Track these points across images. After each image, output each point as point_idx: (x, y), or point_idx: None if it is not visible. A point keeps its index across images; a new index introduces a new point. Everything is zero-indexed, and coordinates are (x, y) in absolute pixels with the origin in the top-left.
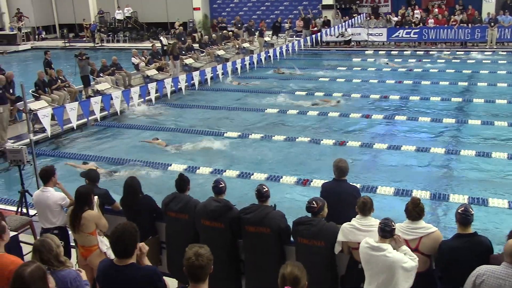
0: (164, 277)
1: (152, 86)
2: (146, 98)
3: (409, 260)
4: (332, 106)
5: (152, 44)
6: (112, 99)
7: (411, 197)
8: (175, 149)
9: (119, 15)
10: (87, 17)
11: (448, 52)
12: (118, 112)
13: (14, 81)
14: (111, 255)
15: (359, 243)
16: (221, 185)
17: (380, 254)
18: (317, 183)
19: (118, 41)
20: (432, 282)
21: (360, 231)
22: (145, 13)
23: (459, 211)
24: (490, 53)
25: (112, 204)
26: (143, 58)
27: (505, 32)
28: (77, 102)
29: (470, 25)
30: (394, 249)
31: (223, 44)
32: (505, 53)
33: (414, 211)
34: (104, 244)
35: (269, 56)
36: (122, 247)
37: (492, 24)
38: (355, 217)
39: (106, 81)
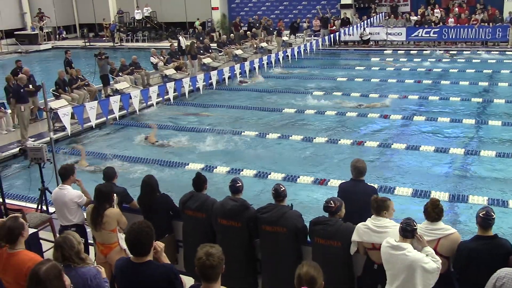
0: (180, 275)
1: (170, 86)
2: (165, 97)
3: (430, 261)
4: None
5: (170, 43)
6: (131, 98)
7: (430, 198)
8: (192, 148)
9: (138, 15)
10: (106, 17)
11: (454, 52)
12: (137, 111)
13: (33, 76)
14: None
15: (372, 244)
16: (238, 184)
17: (399, 253)
18: (334, 183)
19: (137, 41)
20: (450, 284)
21: (373, 232)
22: (164, 13)
23: (480, 214)
24: (511, 52)
25: (130, 203)
26: (161, 57)
27: None
28: (96, 101)
29: (491, 24)
30: (416, 249)
31: (241, 43)
32: None
33: (434, 212)
34: (123, 240)
35: (287, 56)
36: (138, 246)
37: None
38: (370, 218)
39: (125, 80)
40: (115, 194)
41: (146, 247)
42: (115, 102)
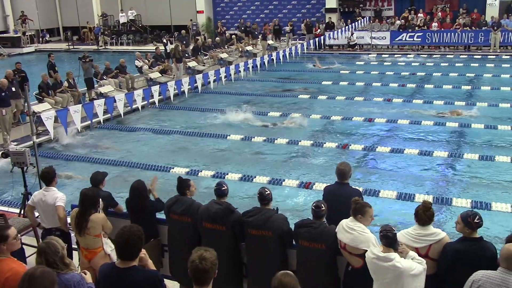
0: (166, 280)
1: (155, 89)
2: (150, 100)
3: (417, 266)
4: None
5: (155, 47)
6: (115, 101)
7: (423, 201)
8: (178, 152)
9: (122, 18)
10: (90, 20)
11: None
12: (122, 115)
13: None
14: (115, 257)
15: (340, 241)
16: (223, 188)
17: (388, 264)
18: (319, 186)
19: (121, 44)
20: (440, 284)
21: (344, 231)
22: (149, 16)
23: (468, 219)
24: (493, 57)
25: (115, 207)
26: (146, 61)
27: (508, 35)
28: (80, 105)
29: (473, 28)
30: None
31: (226, 47)
32: (508, 56)
33: (425, 215)
34: (108, 245)
35: (272, 60)
36: (129, 249)
37: (496, 27)
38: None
39: (110, 83)
40: (100, 199)
41: (135, 251)
42: (99, 105)
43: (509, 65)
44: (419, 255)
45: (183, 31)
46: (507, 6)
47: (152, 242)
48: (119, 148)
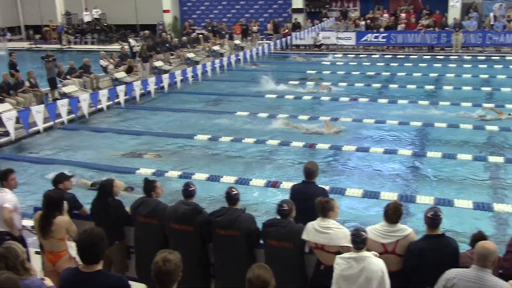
0: (132, 283)
1: (121, 89)
2: (115, 100)
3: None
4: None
5: (121, 46)
6: (79, 102)
7: (394, 201)
8: (144, 153)
9: (87, 17)
10: (53, 19)
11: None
12: (86, 115)
13: None
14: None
15: (315, 243)
16: (191, 188)
17: (362, 265)
18: (287, 185)
19: (86, 43)
20: (406, 280)
21: (318, 232)
22: (114, 15)
23: (428, 214)
24: (455, 57)
25: (79, 209)
26: (112, 60)
27: (469, 37)
28: (43, 105)
29: (436, 29)
30: None
31: (193, 46)
32: (470, 57)
33: (395, 215)
34: (73, 249)
35: (239, 59)
36: (92, 252)
37: (457, 29)
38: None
39: (74, 83)
40: (65, 201)
41: (98, 254)
42: (63, 105)
43: (470, 66)
44: (386, 251)
45: (146, 32)
46: (468, 7)
47: (117, 244)
48: (83, 149)
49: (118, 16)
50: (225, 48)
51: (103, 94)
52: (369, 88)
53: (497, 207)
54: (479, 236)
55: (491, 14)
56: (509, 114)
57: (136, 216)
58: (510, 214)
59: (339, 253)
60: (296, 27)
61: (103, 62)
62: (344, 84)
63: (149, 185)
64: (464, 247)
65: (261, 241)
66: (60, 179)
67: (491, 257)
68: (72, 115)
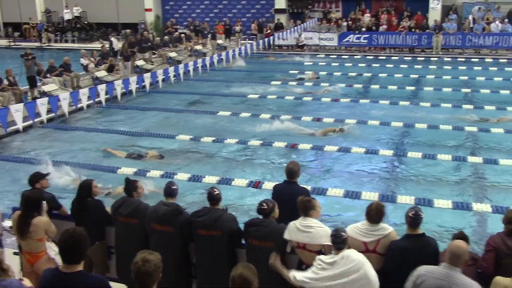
0: (113, 283)
1: (101, 88)
2: (96, 100)
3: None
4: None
5: (101, 45)
6: (59, 100)
7: (376, 202)
8: (125, 152)
9: (67, 15)
10: (33, 16)
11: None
12: (66, 114)
13: None
14: (59, 261)
15: (297, 242)
16: (173, 187)
17: (350, 266)
18: (269, 185)
19: (66, 41)
20: (387, 280)
21: (300, 231)
22: (95, 13)
23: (409, 214)
24: (436, 58)
25: (59, 209)
26: (92, 59)
27: (449, 38)
28: (22, 104)
29: (417, 31)
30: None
31: (175, 46)
32: (449, 59)
33: (377, 215)
34: (52, 249)
35: (222, 59)
36: (74, 252)
37: (438, 31)
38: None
39: (54, 82)
40: (44, 202)
41: (81, 254)
42: (42, 104)
43: (450, 67)
44: (368, 250)
45: (127, 30)
46: (448, 10)
47: (97, 245)
48: (63, 148)
49: (99, 15)
50: (208, 47)
51: (84, 93)
52: (351, 88)
53: (476, 206)
54: (460, 236)
55: (470, 17)
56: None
57: (117, 216)
58: (489, 213)
59: (321, 252)
60: (279, 27)
61: (83, 61)
62: (326, 84)
63: (130, 185)
64: (444, 247)
65: (243, 241)
66: (36, 178)
67: (463, 256)
68: (52, 114)
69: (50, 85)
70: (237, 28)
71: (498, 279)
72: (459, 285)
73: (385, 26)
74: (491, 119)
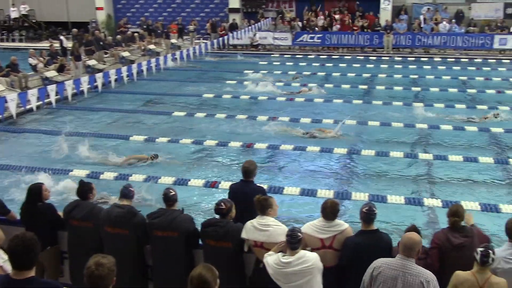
0: None
1: (51, 88)
2: (46, 100)
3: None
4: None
5: (50, 44)
6: (6, 102)
7: (331, 200)
8: (78, 154)
9: (14, 13)
10: None
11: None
12: (14, 116)
13: None
14: (9, 268)
15: (255, 241)
16: (130, 190)
17: (303, 266)
18: (226, 185)
19: (13, 40)
20: (343, 275)
21: (257, 230)
22: (43, 12)
23: (363, 210)
24: (387, 58)
25: (7, 214)
26: (41, 58)
27: (400, 38)
28: None
29: (369, 31)
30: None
31: (128, 45)
32: (400, 58)
33: (332, 212)
34: (0, 257)
35: (176, 58)
36: (25, 258)
37: (388, 31)
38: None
39: (0, 82)
40: None
41: (32, 259)
42: None
43: (401, 66)
44: (324, 246)
45: (74, 30)
46: (399, 10)
47: (49, 250)
48: (10, 150)
49: (48, 13)
50: (162, 47)
51: (33, 93)
52: (305, 87)
53: (428, 202)
54: (412, 229)
55: (422, 17)
56: (496, 115)
57: (70, 220)
58: (440, 208)
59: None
60: (233, 27)
61: (32, 61)
62: (281, 84)
63: (85, 187)
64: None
65: (200, 242)
66: None
67: (415, 247)
68: None
69: None
70: (191, 27)
71: (459, 273)
72: (413, 275)
73: (338, 26)
74: (476, 119)
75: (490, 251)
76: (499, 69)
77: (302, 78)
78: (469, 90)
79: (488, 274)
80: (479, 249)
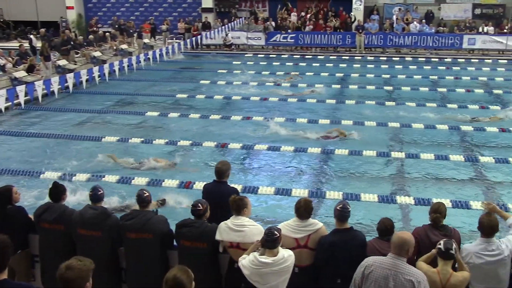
0: None
1: (21, 89)
2: (15, 101)
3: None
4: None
5: (20, 44)
6: None
7: (304, 199)
8: (49, 156)
9: None
10: None
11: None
12: None
13: None
14: None
15: (230, 242)
16: (100, 192)
17: (284, 265)
18: (200, 185)
19: None
20: (318, 274)
21: (232, 231)
22: (12, 10)
23: (337, 208)
24: (359, 58)
25: None
26: (9, 58)
27: (371, 38)
28: None
29: (342, 31)
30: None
31: (99, 45)
32: (372, 58)
33: (306, 211)
34: None
35: (149, 58)
36: None
37: (360, 30)
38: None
39: None
40: None
41: (4, 262)
42: None
43: (373, 66)
44: (299, 245)
45: (41, 30)
46: (370, 10)
47: (20, 254)
48: None
49: (17, 12)
50: (134, 47)
51: (1, 94)
52: (279, 87)
53: (400, 199)
54: (386, 222)
55: (394, 17)
56: (473, 118)
57: (41, 223)
58: (412, 206)
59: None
60: (206, 26)
61: (0, 61)
62: (255, 83)
63: (58, 189)
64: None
65: (175, 243)
66: None
67: (406, 246)
68: None
69: None
70: (164, 27)
71: (420, 263)
72: (405, 274)
73: (311, 26)
74: (482, 119)
75: (453, 244)
76: (468, 68)
77: (297, 79)
78: (439, 89)
79: (450, 271)
80: (442, 241)
